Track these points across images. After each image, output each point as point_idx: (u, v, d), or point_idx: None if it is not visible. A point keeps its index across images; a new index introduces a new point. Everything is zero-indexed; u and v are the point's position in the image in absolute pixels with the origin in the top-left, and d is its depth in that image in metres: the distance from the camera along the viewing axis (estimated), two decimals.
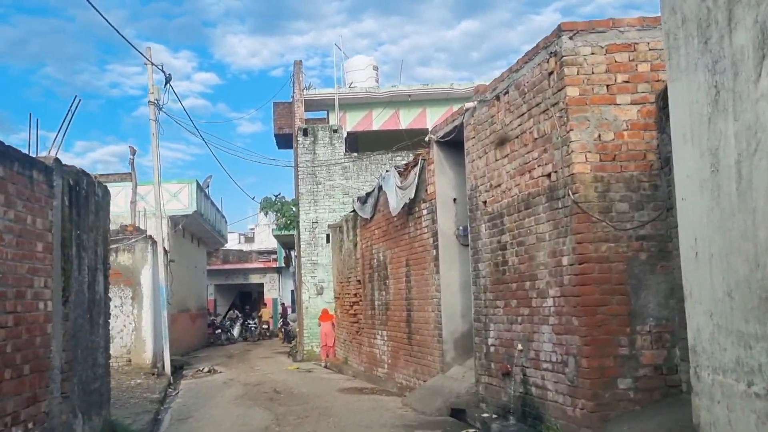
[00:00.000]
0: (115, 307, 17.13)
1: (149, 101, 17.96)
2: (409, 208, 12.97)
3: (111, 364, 17.49)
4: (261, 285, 42.96)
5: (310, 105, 24.97)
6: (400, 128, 24.38)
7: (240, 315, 43.27)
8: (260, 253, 46.01)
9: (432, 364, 12.08)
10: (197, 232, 31.75)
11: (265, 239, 50.00)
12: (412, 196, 12.45)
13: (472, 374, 10.77)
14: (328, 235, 22.07)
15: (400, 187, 12.97)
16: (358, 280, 17.05)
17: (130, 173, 27.09)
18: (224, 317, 42.46)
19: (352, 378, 16.51)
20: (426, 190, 12.30)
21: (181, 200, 27.09)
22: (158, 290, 17.56)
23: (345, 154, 22.64)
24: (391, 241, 14.24)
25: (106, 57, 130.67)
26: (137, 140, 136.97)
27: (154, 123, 17.95)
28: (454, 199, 11.84)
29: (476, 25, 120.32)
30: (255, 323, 36.86)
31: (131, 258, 17.70)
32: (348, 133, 23.80)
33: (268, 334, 37.91)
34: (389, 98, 24.49)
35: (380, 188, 14.82)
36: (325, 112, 26.31)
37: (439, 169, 11.92)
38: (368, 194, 15.77)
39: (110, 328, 15.97)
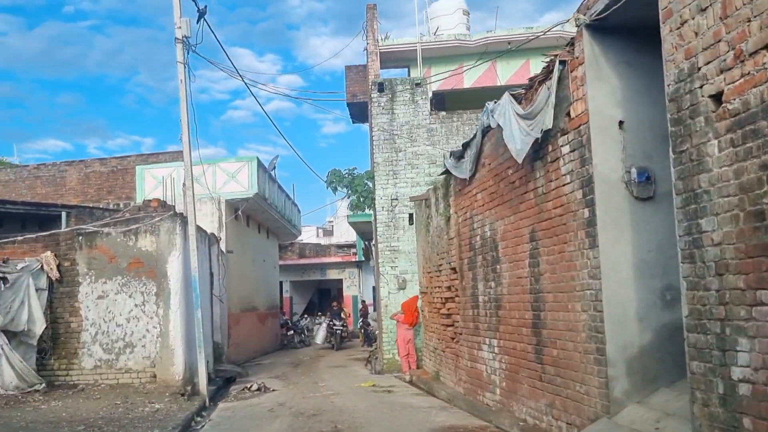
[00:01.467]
0: (135, 306, 12.92)
1: (176, 38, 13.63)
2: (535, 151, 8.12)
3: (130, 381, 13.38)
4: (340, 281, 38.66)
5: (387, 59, 20.29)
6: (498, 84, 19.44)
7: (324, 315, 39.11)
8: (339, 246, 41.72)
9: (585, 399, 7.17)
10: (264, 221, 27.60)
11: (345, 232, 45.72)
12: (549, 125, 7.56)
13: (673, 424, 5.87)
14: (410, 215, 17.41)
15: (523, 117, 8.08)
16: (453, 268, 12.27)
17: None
18: (301, 316, 38.40)
19: (447, 404, 11.71)
20: (568, 115, 7.39)
21: (240, 182, 22.91)
22: (191, 284, 13.26)
23: (431, 113, 17.90)
24: (504, 206, 9.41)
25: (195, 63, 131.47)
26: (227, 143, 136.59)
27: (183, 67, 13.63)
28: (621, 123, 6.90)
29: None
30: (343, 325, 28.99)
31: (155, 242, 13.42)
32: (433, 94, 19.00)
33: (346, 335, 33.53)
34: (483, 47, 19.59)
35: (485, 131, 9.99)
36: (406, 70, 21.60)
37: (593, 74, 6.98)
38: (466, 145, 10.96)
39: (129, 333, 11.73)
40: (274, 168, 27.43)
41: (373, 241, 21.82)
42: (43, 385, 12.68)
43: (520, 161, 8.15)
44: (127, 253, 13.36)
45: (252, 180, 22.83)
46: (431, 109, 17.97)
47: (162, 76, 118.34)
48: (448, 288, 12.73)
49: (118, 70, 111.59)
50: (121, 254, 13.37)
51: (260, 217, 26.55)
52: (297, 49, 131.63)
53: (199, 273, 14.89)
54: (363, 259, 36.78)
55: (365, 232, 29.56)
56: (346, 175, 17.77)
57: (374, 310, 36.53)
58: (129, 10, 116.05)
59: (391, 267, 17.36)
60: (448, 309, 12.75)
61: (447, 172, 12.27)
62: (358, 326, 33.73)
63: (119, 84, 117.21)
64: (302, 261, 38.43)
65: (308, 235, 44.96)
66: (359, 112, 24.86)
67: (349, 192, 17.67)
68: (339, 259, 38.19)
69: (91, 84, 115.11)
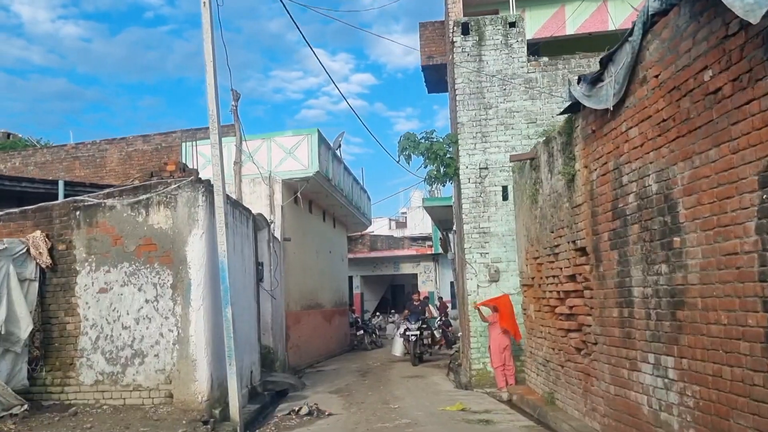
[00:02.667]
0: (146, 302, 9.57)
1: None
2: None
3: (139, 401, 9.97)
4: (414, 276, 35.00)
5: (470, 4, 16.48)
6: (611, 29, 15.39)
7: (400, 312, 35.54)
8: (413, 239, 38.07)
9: None
10: (329, 207, 24.17)
11: (419, 223, 42.07)
12: None
13: None
14: (504, 188, 13.60)
15: None
16: (580, 249, 8.42)
17: (233, 125, 19.99)
18: (373, 314, 34.95)
19: None
20: None
21: (299, 158, 19.52)
22: (218, 272, 9.84)
23: (529, 60, 14.03)
24: (693, 137, 5.47)
25: (270, 64, 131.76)
26: None
27: (206, 7, 10.13)
28: None
29: None
30: (424, 327, 21.32)
31: (170, 218, 9.98)
32: (528, 43, 15.10)
33: None
34: None
35: (651, 20, 6.17)
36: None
37: None
38: (607, 59, 7.11)
39: (138, 338, 8.48)
40: (339, 146, 23.98)
41: (454, 226, 18.08)
42: (24, 407, 9.39)
43: (756, 20, 4.26)
44: (135, 232, 10.01)
45: (312, 156, 19.41)
46: (529, 56, 14.09)
47: (238, 77, 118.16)
48: (570, 278, 8.87)
49: (197, 72, 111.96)
50: (129, 234, 10.03)
51: (324, 202, 23.15)
52: (369, 47, 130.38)
53: (237, 260, 11.50)
54: (440, 251, 33.04)
55: (443, 219, 25.83)
56: (423, 140, 14.05)
57: (453, 307, 32.82)
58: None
59: (481, 254, 13.55)
60: (571, 307, 8.89)
61: (570, 110, 8.43)
62: (436, 325, 30.06)
63: (197, 86, 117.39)
64: (373, 254, 34.94)
65: (380, 228, 41.48)
66: (436, 79, 21.10)
67: (426, 161, 13.97)
68: (414, 252, 34.53)
69: (171, 87, 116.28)
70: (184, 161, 19.20)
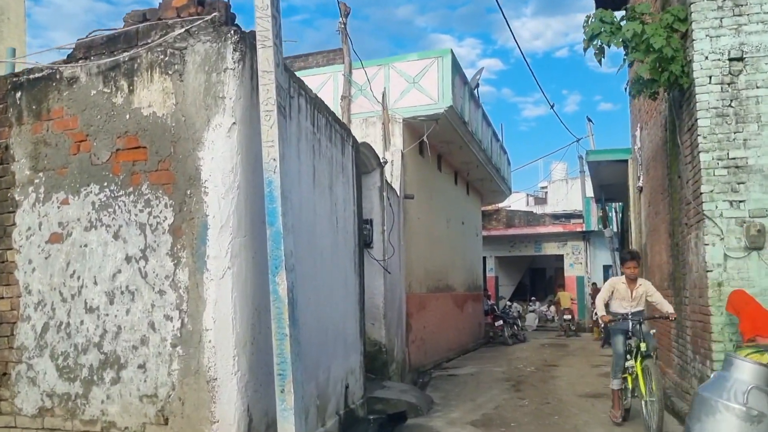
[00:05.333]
0: (127, 261, 4.39)
1: None
2: None
3: None
4: (560, 258, 28.98)
5: None
6: None
7: (543, 301, 29.86)
8: (555, 217, 31.98)
9: None
10: (463, 165, 18.78)
11: (562, 199, 35.85)
12: None
13: None
14: None
15: None
16: None
17: (340, 50, 15.16)
18: (509, 302, 29.32)
19: None
20: None
21: (425, 90, 14.30)
22: (263, 204, 4.86)
23: None
24: None
25: (397, 50, 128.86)
26: None
27: None
28: None
29: None
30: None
31: (171, 94, 4.92)
32: None
33: (573, 328, 24.04)
34: None
35: None
36: None
37: None
38: None
39: (110, 330, 4.48)
40: (478, 86, 18.52)
41: (686, 154, 12.38)
42: None
43: None
44: (111, 125, 5.08)
45: (443, 87, 14.14)
46: None
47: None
48: None
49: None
50: (100, 129, 5.12)
51: (456, 157, 17.80)
52: (497, 32, 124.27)
53: (320, 201, 6.46)
54: (592, 228, 26.96)
55: (608, 184, 19.82)
56: (628, 20, 8.45)
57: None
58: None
59: (730, 203, 7.79)
60: None
61: None
62: (592, 317, 24.12)
63: None
64: (511, 231, 29.17)
65: (516, 203, 35.66)
66: None
67: (632, 53, 8.36)
68: (560, 229, 28.46)
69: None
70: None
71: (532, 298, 30.04)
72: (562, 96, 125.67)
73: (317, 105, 6.83)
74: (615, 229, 24.58)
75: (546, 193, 39.03)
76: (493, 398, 10.08)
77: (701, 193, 7.90)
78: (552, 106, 18.78)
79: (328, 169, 7.16)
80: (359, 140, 11.14)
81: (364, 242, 10.11)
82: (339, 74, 14.92)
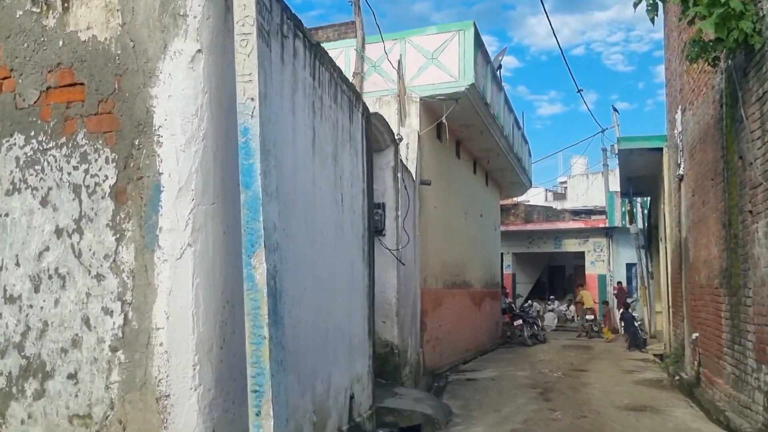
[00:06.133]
0: (57, 233, 3.16)
1: None
2: None
3: None
4: (580, 255, 27.55)
5: None
6: None
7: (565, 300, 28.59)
8: (575, 213, 30.57)
9: None
10: (482, 153, 17.45)
11: (582, 195, 34.43)
12: None
13: None
14: None
15: None
16: None
17: (352, 23, 13.96)
18: (526, 300, 27.97)
19: None
20: None
21: (445, 66, 13.00)
22: (236, 162, 3.64)
23: None
24: None
25: None
26: None
27: None
28: None
29: None
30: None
31: (116, 12, 3.86)
32: None
33: (595, 329, 22.66)
34: None
35: None
36: None
37: None
38: None
39: (34, 325, 4.25)
40: (500, 66, 17.21)
41: (753, 129, 11.09)
42: None
43: None
44: (41, 56, 3.84)
45: (465, 63, 12.85)
46: None
47: None
48: None
49: None
50: (28, 62, 3.89)
51: (476, 144, 16.48)
52: (513, 29, 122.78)
53: (321, 169, 5.19)
54: (616, 224, 25.56)
55: (638, 176, 18.47)
56: None
57: (630, 295, 25.28)
58: None
59: None
60: None
61: None
62: (618, 319, 22.76)
63: None
64: (529, 227, 27.80)
65: (534, 198, 34.29)
66: None
67: (692, 5, 7.02)
68: (581, 225, 27.04)
69: None
70: None
71: (551, 296, 28.66)
72: (577, 95, 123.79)
73: (319, 54, 5.57)
74: (641, 226, 23.19)
75: (565, 188, 37.60)
76: (520, 409, 8.78)
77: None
78: (579, 91, 17.39)
79: (332, 135, 5.90)
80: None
81: (375, 228, 8.86)
82: (351, 49, 13.68)
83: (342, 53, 13.78)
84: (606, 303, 22.52)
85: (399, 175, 9.14)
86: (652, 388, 10.79)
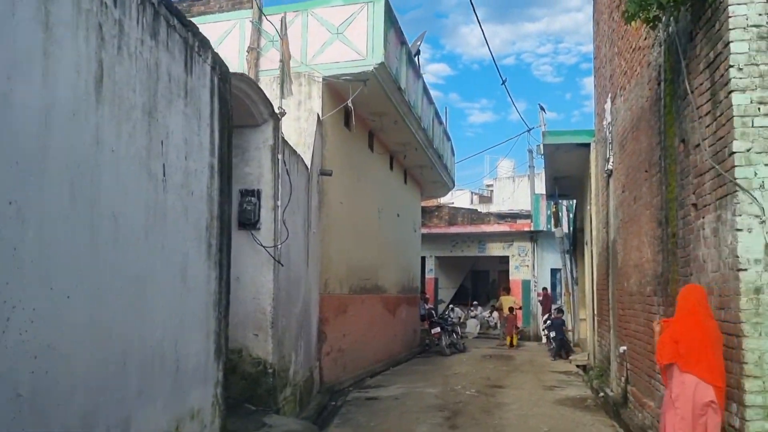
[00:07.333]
0: None
1: None
2: None
3: None
4: (504, 259, 26.36)
5: None
6: None
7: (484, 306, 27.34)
8: (500, 216, 29.44)
9: None
10: (399, 147, 15.91)
11: (508, 198, 33.44)
12: None
13: None
14: None
15: None
16: None
17: None
18: (448, 306, 26.64)
19: None
20: None
21: (351, 42, 11.42)
22: None
23: None
24: None
25: None
26: None
27: None
28: None
29: None
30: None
31: None
32: None
33: (504, 335, 21.34)
34: None
35: None
36: None
37: None
38: None
39: None
40: (419, 52, 15.71)
41: (701, 104, 9.80)
42: None
43: None
44: None
45: (374, 39, 11.28)
46: None
47: None
48: None
49: None
50: None
51: (392, 137, 14.94)
52: (445, 37, 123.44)
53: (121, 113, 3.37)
54: (541, 228, 24.48)
55: (563, 176, 17.29)
56: None
57: (554, 302, 24.22)
58: None
59: None
60: None
61: None
62: (542, 326, 21.59)
63: None
64: (453, 230, 26.48)
65: (459, 202, 33.09)
66: None
67: None
68: (506, 228, 25.86)
69: None
70: None
71: (474, 302, 27.42)
72: (508, 104, 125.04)
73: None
74: (566, 230, 22.13)
75: (491, 191, 36.56)
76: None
77: (733, 153, 5.18)
78: (504, 82, 16.11)
79: (145, 82, 4.18)
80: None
81: (247, 220, 7.15)
82: (247, 21, 11.94)
83: (236, 26, 12.04)
84: (510, 309, 21.33)
85: (280, 157, 7.45)
86: (575, 409, 9.39)
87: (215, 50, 5.50)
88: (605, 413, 9.04)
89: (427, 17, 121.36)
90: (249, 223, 7.17)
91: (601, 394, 10.46)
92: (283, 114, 7.64)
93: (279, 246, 7.39)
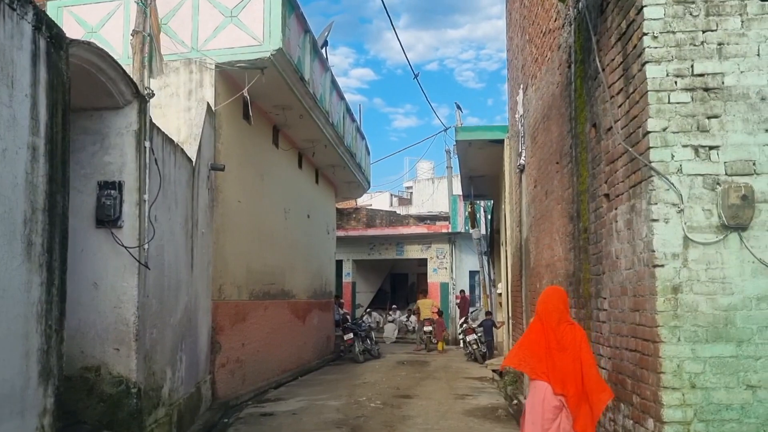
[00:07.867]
0: None
1: None
2: None
3: None
4: (423, 262, 25.74)
5: None
6: None
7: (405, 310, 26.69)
8: (420, 218, 28.92)
9: None
10: (308, 144, 14.95)
11: (427, 200, 32.97)
12: None
13: None
14: None
15: None
16: None
17: None
18: (366, 311, 25.85)
19: None
20: None
21: (247, 27, 10.45)
22: None
23: None
24: None
25: None
26: None
27: None
28: None
29: None
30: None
31: None
32: None
33: (434, 341, 20.74)
34: None
35: None
36: None
37: None
38: None
39: None
40: (326, 43, 14.83)
41: (612, 82, 9.22)
42: None
43: None
44: None
45: (271, 23, 10.37)
46: None
47: None
48: None
49: None
50: None
51: (299, 133, 14.01)
52: (369, 42, 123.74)
53: None
54: (459, 229, 23.99)
55: (479, 175, 16.79)
56: None
57: (472, 305, 23.78)
58: None
59: (695, 149, 4.50)
60: None
61: None
62: (458, 330, 21.00)
63: None
64: (371, 232, 25.71)
65: (379, 204, 32.40)
66: None
67: None
68: (424, 230, 25.24)
69: None
70: None
71: (393, 306, 26.73)
72: (429, 113, 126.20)
73: None
74: (483, 231, 21.70)
75: (411, 193, 36.02)
76: None
77: (647, 134, 4.53)
78: (416, 76, 15.43)
79: None
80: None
81: (105, 216, 6.12)
82: (131, 3, 10.81)
83: (120, 7, 10.90)
84: (440, 313, 20.77)
85: (147, 144, 6.44)
86: (485, 420, 8.69)
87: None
88: (516, 423, 8.37)
89: (352, 21, 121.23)
90: (108, 220, 6.14)
91: (515, 401, 9.84)
92: (151, 95, 6.64)
93: (145, 246, 6.38)
